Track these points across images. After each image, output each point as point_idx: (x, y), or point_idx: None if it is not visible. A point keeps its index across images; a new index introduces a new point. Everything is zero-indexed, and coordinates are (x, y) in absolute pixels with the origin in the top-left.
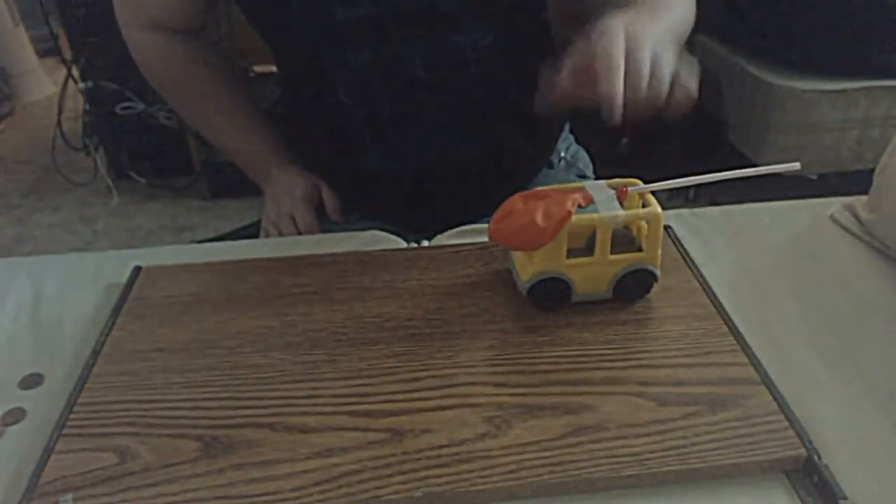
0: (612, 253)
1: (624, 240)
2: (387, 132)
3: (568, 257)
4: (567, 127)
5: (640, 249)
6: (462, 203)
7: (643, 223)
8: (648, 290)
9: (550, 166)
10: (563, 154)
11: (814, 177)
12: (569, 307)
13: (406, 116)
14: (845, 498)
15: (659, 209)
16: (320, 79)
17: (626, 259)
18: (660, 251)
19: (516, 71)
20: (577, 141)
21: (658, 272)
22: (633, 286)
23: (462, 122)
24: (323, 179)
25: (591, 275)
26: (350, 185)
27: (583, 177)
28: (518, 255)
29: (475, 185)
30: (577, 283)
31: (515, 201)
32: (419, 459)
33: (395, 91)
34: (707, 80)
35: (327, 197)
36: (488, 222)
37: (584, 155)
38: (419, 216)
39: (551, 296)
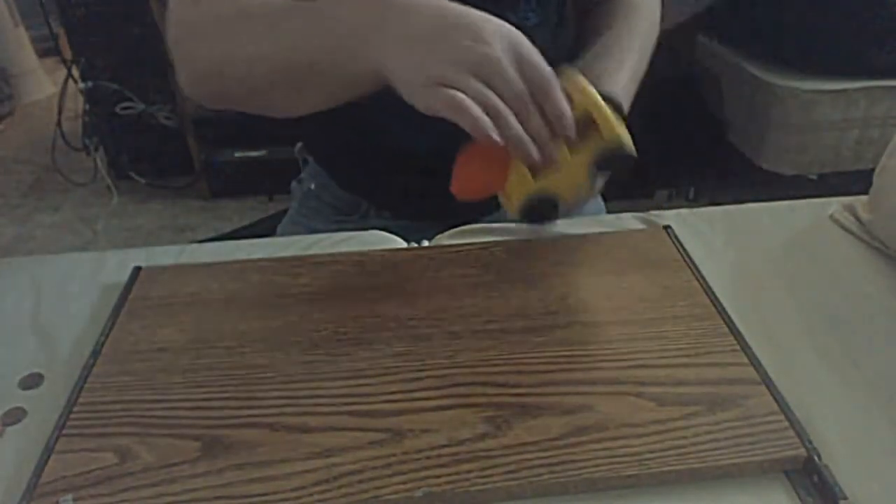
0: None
1: (587, 131)
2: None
3: (537, 175)
4: None
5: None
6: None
7: (589, 111)
8: (631, 169)
9: None
10: None
11: (814, 177)
12: (569, 303)
13: None
14: (845, 498)
15: (590, 87)
16: None
17: (591, 146)
18: (619, 128)
19: (548, 55)
20: None
21: (633, 150)
22: (615, 167)
23: None
24: (341, 163)
25: (569, 176)
26: (370, 168)
27: None
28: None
29: None
30: (560, 191)
31: (461, 160)
32: (419, 459)
33: None
34: (707, 80)
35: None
36: (489, 220)
37: None
38: (426, 204)
39: (543, 213)
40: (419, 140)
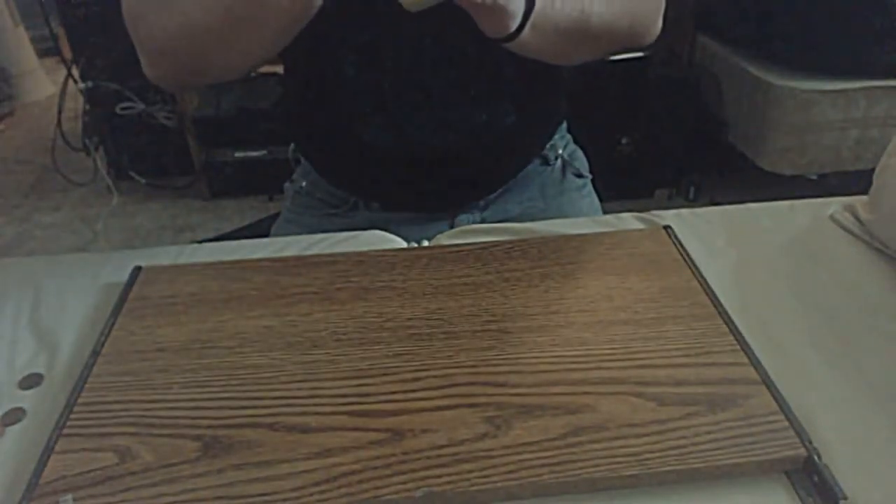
0: None
1: None
2: (387, 103)
3: None
4: (565, 126)
5: None
6: (455, 186)
7: None
8: None
9: (546, 162)
10: (560, 152)
11: (814, 177)
12: (569, 303)
13: (408, 85)
14: (845, 498)
15: None
16: (325, 48)
17: None
18: None
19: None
20: (575, 141)
21: None
22: None
23: (461, 96)
24: (327, 157)
25: None
26: (351, 161)
27: (580, 176)
28: None
29: (469, 165)
30: None
31: None
32: (419, 459)
33: (401, 60)
34: (707, 80)
35: None
36: (482, 220)
37: (580, 155)
38: (414, 197)
39: None
40: (393, 137)
